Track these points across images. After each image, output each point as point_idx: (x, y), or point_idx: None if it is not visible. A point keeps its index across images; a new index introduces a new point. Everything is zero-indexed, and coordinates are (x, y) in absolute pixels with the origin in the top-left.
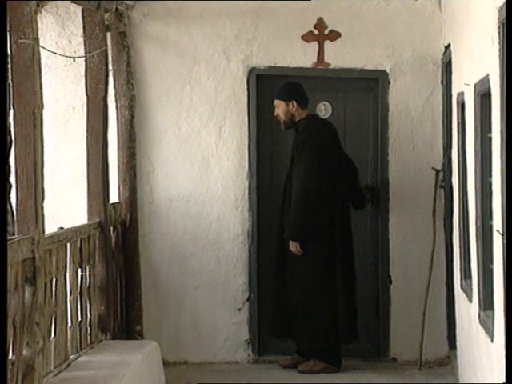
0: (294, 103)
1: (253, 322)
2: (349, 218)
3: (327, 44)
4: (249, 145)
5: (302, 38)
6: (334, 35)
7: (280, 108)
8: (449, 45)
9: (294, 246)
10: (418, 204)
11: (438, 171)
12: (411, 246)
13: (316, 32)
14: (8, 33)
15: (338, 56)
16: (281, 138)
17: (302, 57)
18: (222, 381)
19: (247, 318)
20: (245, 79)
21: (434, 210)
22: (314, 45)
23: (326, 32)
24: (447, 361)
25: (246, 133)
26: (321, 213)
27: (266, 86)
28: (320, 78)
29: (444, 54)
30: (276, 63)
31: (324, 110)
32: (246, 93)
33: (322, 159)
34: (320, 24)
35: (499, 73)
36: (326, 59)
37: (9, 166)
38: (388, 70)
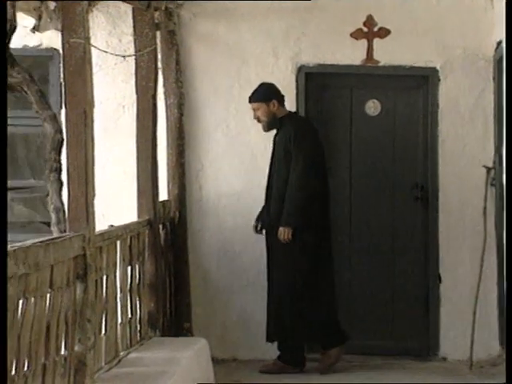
0: (275, 102)
1: None
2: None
3: (376, 41)
4: None
5: (351, 35)
6: (384, 32)
7: (260, 110)
8: (500, 41)
9: (285, 233)
10: (469, 202)
11: (489, 169)
12: (461, 244)
13: (365, 29)
14: (61, 32)
15: (388, 53)
16: (329, 136)
17: (351, 54)
18: (272, 378)
19: None
20: (293, 77)
21: (485, 208)
22: (363, 42)
23: (376, 29)
24: (499, 360)
25: None
26: (317, 203)
27: (314, 83)
28: (369, 76)
29: (496, 50)
30: (325, 61)
31: (373, 107)
32: (294, 90)
33: (318, 151)
34: (369, 21)
35: None
36: (375, 56)
37: (60, 164)
38: (438, 67)
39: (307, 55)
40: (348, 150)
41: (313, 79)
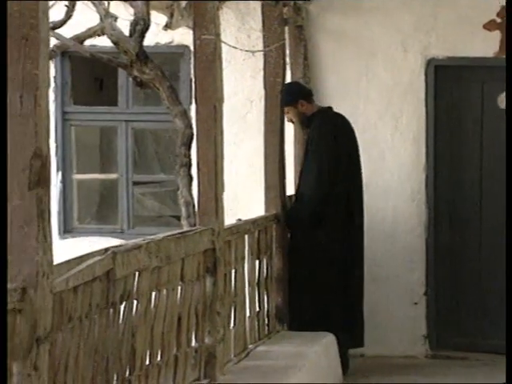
0: (303, 102)
1: (430, 316)
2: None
3: None
4: (426, 137)
5: (484, 26)
6: None
7: (290, 113)
8: None
9: None
10: None
11: None
12: None
13: (499, 20)
14: (192, 29)
15: None
16: (459, 130)
17: (483, 46)
18: (399, 375)
19: (424, 313)
20: (423, 70)
21: None
22: (496, 33)
23: None
24: None
25: (424, 125)
26: (333, 204)
27: (444, 76)
28: (502, 68)
29: None
30: (455, 53)
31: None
32: (423, 84)
33: (336, 153)
34: (503, 12)
35: None
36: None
37: (190, 159)
38: None
39: (437, 48)
40: (478, 144)
41: (443, 72)
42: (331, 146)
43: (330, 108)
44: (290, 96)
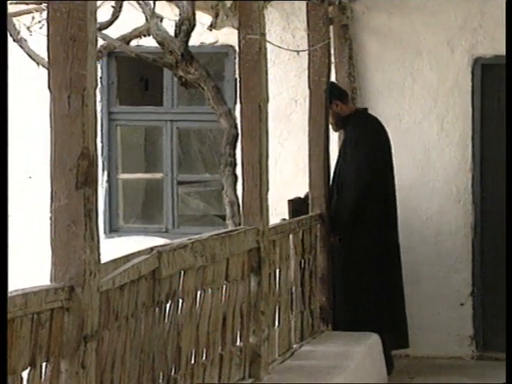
0: (338, 102)
1: (477, 317)
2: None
3: None
4: (472, 136)
5: None
6: None
7: None
8: None
9: (332, 240)
10: None
11: None
12: None
13: None
14: (237, 29)
15: None
16: (504, 129)
17: None
18: (444, 376)
19: (471, 313)
20: (469, 69)
21: None
22: None
23: None
24: None
25: (470, 124)
26: (371, 205)
27: (491, 75)
28: None
29: None
30: (503, 52)
31: None
32: (470, 83)
33: (375, 153)
34: None
35: None
36: None
37: (235, 159)
38: None
39: (484, 47)
40: None
41: (490, 71)
42: (370, 147)
43: (365, 109)
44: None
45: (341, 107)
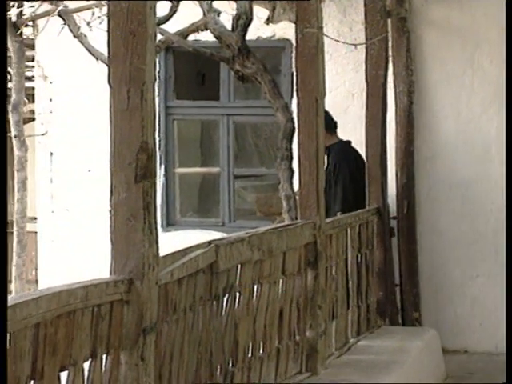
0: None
1: None
2: None
3: None
4: None
5: None
6: None
7: None
8: None
9: None
10: None
11: None
12: None
13: None
14: (294, 23)
15: None
16: None
17: None
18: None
19: None
20: None
21: None
22: None
23: None
24: None
25: None
26: None
27: None
28: None
29: None
30: None
31: None
32: None
33: (353, 182)
34: None
35: None
36: None
37: (291, 153)
38: None
39: None
40: None
41: None
42: (351, 171)
43: (349, 142)
44: None
45: (325, 136)
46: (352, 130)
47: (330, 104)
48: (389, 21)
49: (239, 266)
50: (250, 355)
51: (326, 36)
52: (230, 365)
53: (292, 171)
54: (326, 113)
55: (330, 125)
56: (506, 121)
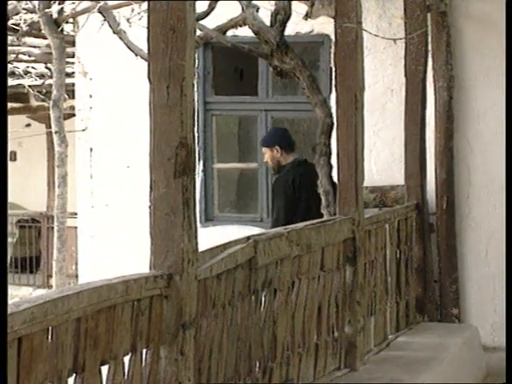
0: (278, 149)
1: None
2: None
3: None
4: None
5: None
6: None
7: (266, 155)
8: None
9: None
10: None
11: None
12: None
13: None
14: (333, 18)
15: None
16: None
17: None
18: None
19: None
20: None
21: None
22: None
23: None
24: None
25: None
26: None
27: None
28: None
29: None
30: None
31: None
32: None
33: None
34: None
35: None
36: None
37: (330, 148)
38: None
39: None
40: None
41: None
42: (287, 194)
43: (303, 160)
44: (270, 138)
45: (281, 154)
46: (390, 126)
47: (369, 100)
48: (428, 15)
49: (278, 261)
50: (288, 351)
51: (365, 31)
52: (269, 360)
53: (330, 167)
54: (286, 131)
55: (289, 144)
56: (506, 121)
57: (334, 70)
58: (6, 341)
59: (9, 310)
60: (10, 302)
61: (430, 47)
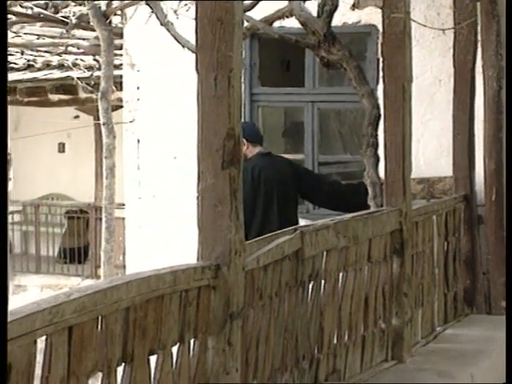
0: (244, 141)
1: None
2: None
3: None
4: None
5: None
6: None
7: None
8: None
9: None
10: None
11: None
12: None
13: None
14: (381, 8)
15: None
16: None
17: None
18: None
19: None
20: None
21: None
22: None
23: None
24: None
25: None
26: None
27: None
28: None
29: None
30: None
31: None
32: None
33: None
34: None
35: None
36: None
37: (377, 139)
38: None
39: None
40: None
41: None
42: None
43: (267, 153)
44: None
45: (247, 147)
46: (438, 117)
47: (417, 90)
48: (478, 4)
49: (325, 252)
50: (335, 342)
51: (413, 21)
52: (316, 352)
53: (377, 158)
54: (253, 125)
55: (256, 137)
56: (506, 120)
57: (381, 60)
58: (5, 341)
59: (59, 300)
60: (59, 291)
61: (479, 37)
